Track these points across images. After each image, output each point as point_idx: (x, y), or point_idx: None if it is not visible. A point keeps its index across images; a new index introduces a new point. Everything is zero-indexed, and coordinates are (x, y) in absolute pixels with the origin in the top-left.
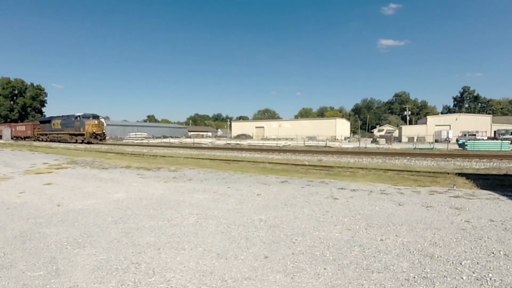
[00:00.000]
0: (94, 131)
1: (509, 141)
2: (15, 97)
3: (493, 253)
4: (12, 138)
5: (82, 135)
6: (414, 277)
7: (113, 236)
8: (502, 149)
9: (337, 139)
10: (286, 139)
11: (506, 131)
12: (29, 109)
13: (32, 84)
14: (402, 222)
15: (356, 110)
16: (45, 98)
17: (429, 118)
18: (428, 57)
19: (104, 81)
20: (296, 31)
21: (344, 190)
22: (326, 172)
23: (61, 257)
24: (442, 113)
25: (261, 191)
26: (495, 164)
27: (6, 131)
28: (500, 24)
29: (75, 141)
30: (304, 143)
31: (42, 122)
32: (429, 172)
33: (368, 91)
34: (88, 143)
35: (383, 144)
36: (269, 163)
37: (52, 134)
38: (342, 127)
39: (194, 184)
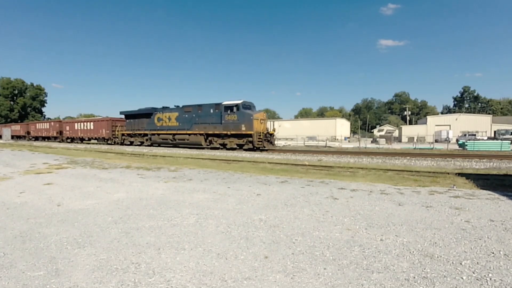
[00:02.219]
0: (262, 130)
1: (509, 141)
2: (15, 97)
3: (493, 253)
4: (35, 139)
5: (245, 136)
6: (414, 277)
7: (113, 236)
8: (502, 149)
9: (337, 139)
10: (286, 139)
11: (506, 131)
12: (29, 109)
13: (32, 84)
14: (402, 222)
15: (356, 110)
16: (45, 98)
17: (429, 118)
18: (428, 57)
19: (104, 81)
20: (296, 31)
21: (344, 190)
22: (326, 172)
23: (61, 257)
24: (442, 113)
25: (261, 191)
26: (495, 164)
27: (6, 131)
28: (499, 24)
29: (221, 146)
30: (304, 143)
31: (130, 116)
32: (429, 172)
33: (368, 91)
34: (256, 149)
35: (383, 144)
36: (269, 163)
37: (160, 134)
38: (342, 127)
39: (194, 184)
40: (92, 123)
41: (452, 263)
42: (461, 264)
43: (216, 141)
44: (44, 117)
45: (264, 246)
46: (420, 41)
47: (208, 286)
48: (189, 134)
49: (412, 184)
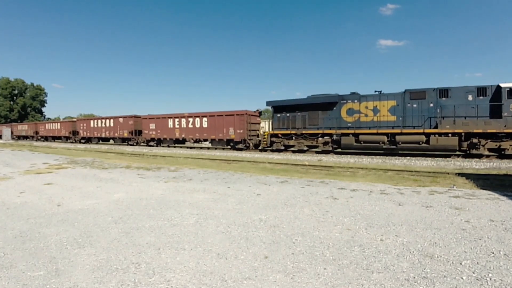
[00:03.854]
0: None
1: None
2: (15, 97)
3: (493, 253)
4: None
5: None
6: (414, 277)
7: (113, 236)
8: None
9: None
10: None
11: None
12: (29, 109)
13: (32, 84)
14: (402, 222)
15: None
16: (45, 98)
17: None
18: (428, 57)
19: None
20: (296, 31)
21: (344, 190)
22: (326, 172)
23: (61, 257)
24: None
25: (261, 191)
26: (495, 164)
27: (6, 131)
28: (499, 24)
29: (492, 153)
30: None
31: (286, 108)
32: (429, 172)
33: (368, 91)
34: None
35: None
36: (269, 163)
37: (358, 134)
38: None
39: (194, 184)
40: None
41: (452, 263)
42: (461, 264)
43: (484, 145)
44: (44, 117)
45: (264, 246)
46: (420, 41)
47: (208, 286)
48: (429, 135)
49: (412, 184)
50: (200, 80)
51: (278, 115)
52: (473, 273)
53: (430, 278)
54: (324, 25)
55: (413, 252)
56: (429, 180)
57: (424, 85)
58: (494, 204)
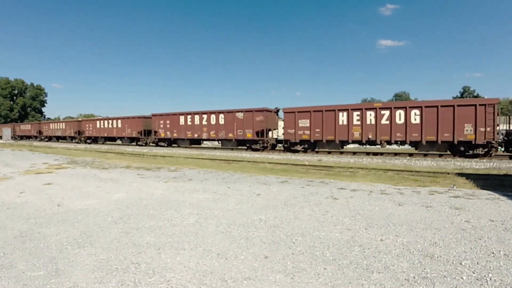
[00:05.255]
0: None
1: None
2: (15, 97)
3: (493, 253)
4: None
5: None
6: (414, 277)
7: (113, 236)
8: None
9: None
10: None
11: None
12: (29, 109)
13: (32, 84)
14: (402, 222)
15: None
16: (45, 98)
17: None
18: (427, 57)
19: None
20: (295, 31)
21: (344, 190)
22: (326, 172)
23: (61, 257)
24: None
25: (261, 191)
26: (495, 164)
27: (6, 131)
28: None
29: None
30: None
31: None
32: (429, 172)
33: (367, 91)
34: None
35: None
36: (269, 163)
37: None
38: None
39: (194, 184)
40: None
41: (452, 263)
42: (461, 264)
43: None
44: (44, 117)
45: (264, 246)
46: (420, 41)
47: (208, 286)
48: None
49: (412, 184)
50: (199, 80)
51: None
52: (473, 273)
53: (430, 278)
54: (324, 25)
55: (413, 252)
56: (429, 180)
57: (424, 85)
58: (494, 204)
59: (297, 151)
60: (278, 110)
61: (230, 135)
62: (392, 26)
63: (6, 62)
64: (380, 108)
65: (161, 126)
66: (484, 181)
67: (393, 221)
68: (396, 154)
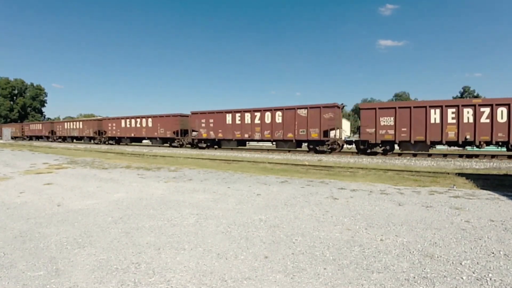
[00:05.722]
0: None
1: None
2: (14, 97)
3: (493, 253)
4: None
5: None
6: (414, 277)
7: (113, 236)
8: (502, 149)
9: None
10: None
11: None
12: (29, 109)
13: (32, 84)
14: (402, 222)
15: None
16: (45, 98)
17: None
18: (427, 57)
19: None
20: (295, 31)
21: (344, 190)
22: (326, 172)
23: (61, 257)
24: None
25: (261, 191)
26: (495, 164)
27: (6, 131)
28: (499, 24)
29: None
30: None
31: None
32: (429, 172)
33: (367, 91)
34: None
35: None
36: (269, 163)
37: None
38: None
39: (194, 184)
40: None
41: (452, 263)
42: (461, 264)
43: None
44: (44, 117)
45: (264, 246)
46: (419, 41)
47: (208, 286)
48: None
49: (412, 184)
50: (199, 81)
51: None
52: (473, 273)
53: (430, 278)
54: (324, 25)
55: (413, 252)
56: (429, 180)
57: (424, 85)
58: (494, 204)
59: (375, 153)
60: (343, 106)
61: (290, 135)
62: (392, 26)
63: (6, 62)
64: (479, 105)
65: (203, 125)
66: (484, 181)
67: (393, 221)
68: (396, 154)
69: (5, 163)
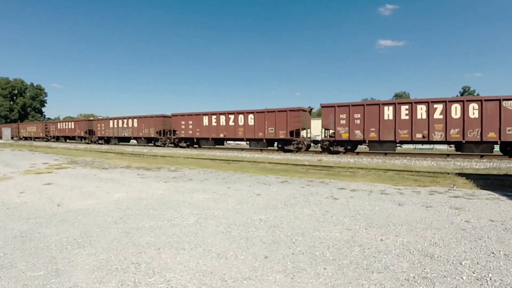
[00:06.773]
0: None
1: None
2: (14, 97)
3: (493, 253)
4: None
5: None
6: (414, 277)
7: (113, 236)
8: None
9: None
10: None
11: None
12: (29, 109)
13: (32, 84)
14: (402, 222)
15: None
16: (45, 98)
17: None
18: (427, 57)
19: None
20: (295, 31)
21: (344, 190)
22: (326, 172)
23: (61, 257)
24: None
25: (261, 191)
26: (495, 164)
27: (6, 131)
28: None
29: None
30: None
31: None
32: (429, 172)
33: (367, 91)
34: None
35: None
36: (269, 163)
37: None
38: None
39: (194, 184)
40: None
41: (452, 263)
42: (461, 264)
43: None
44: (44, 117)
45: (264, 246)
46: (420, 41)
47: (208, 286)
48: None
49: (412, 184)
50: (199, 81)
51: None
52: (473, 273)
53: (430, 278)
54: (324, 25)
55: (413, 252)
56: (429, 180)
57: (424, 85)
58: (494, 204)
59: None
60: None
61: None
62: (391, 26)
63: (6, 62)
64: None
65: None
66: (484, 181)
67: (393, 221)
68: (396, 154)
69: (5, 163)
